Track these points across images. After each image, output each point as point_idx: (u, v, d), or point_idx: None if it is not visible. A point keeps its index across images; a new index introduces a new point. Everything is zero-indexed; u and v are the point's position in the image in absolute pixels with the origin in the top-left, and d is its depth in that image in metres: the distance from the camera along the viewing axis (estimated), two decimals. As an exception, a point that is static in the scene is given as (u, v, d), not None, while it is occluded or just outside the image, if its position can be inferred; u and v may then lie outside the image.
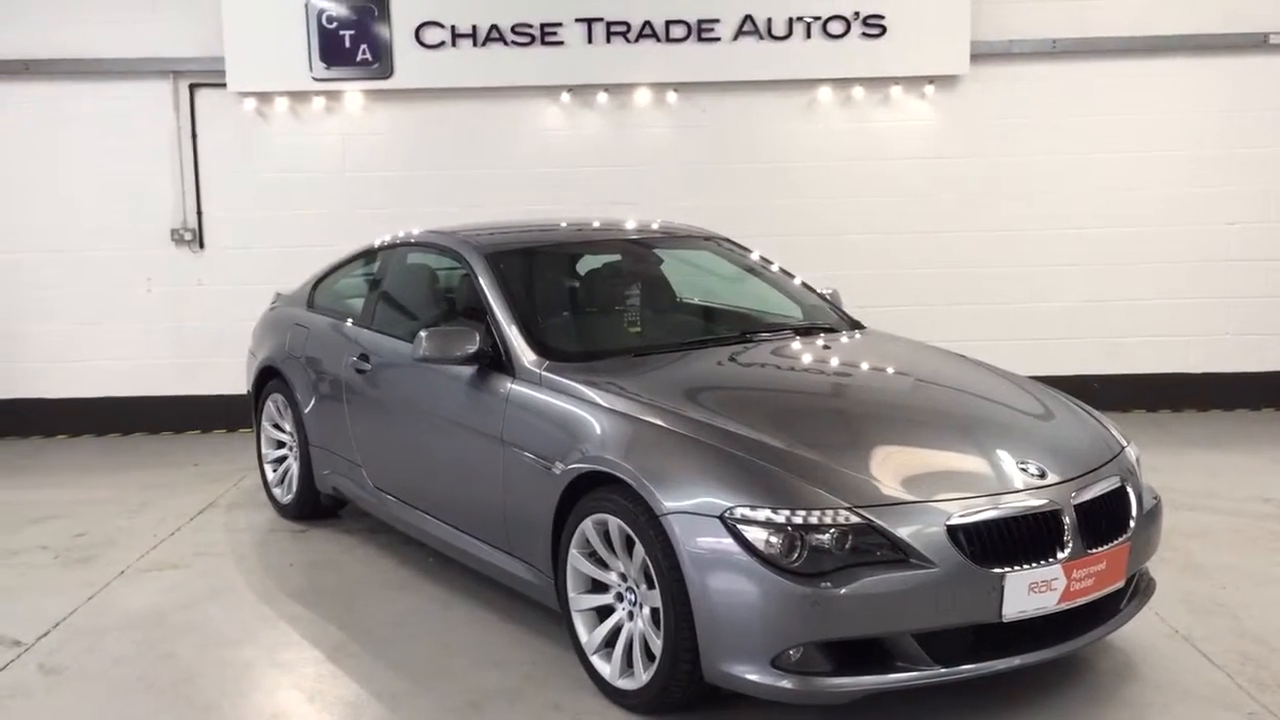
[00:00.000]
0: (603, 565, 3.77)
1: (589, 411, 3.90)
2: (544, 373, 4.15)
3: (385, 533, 5.45)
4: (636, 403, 3.84)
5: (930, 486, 3.44)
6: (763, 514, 3.31)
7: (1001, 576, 3.32)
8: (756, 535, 3.29)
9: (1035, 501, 3.45)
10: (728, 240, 5.56)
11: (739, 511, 3.33)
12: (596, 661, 3.77)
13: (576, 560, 3.82)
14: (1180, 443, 7.20)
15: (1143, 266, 7.97)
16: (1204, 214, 7.93)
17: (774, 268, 5.42)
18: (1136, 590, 3.88)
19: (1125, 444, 4.02)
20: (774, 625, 3.27)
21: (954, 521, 3.33)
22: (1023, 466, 3.58)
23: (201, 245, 7.99)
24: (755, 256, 5.47)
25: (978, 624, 3.36)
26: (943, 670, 3.33)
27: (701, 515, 3.37)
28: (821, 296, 5.27)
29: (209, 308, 8.02)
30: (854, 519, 3.29)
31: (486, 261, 4.70)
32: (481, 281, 4.62)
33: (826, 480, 3.40)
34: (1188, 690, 3.77)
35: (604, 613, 3.80)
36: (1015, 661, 3.40)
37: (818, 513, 3.30)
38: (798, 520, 3.28)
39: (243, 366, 6.36)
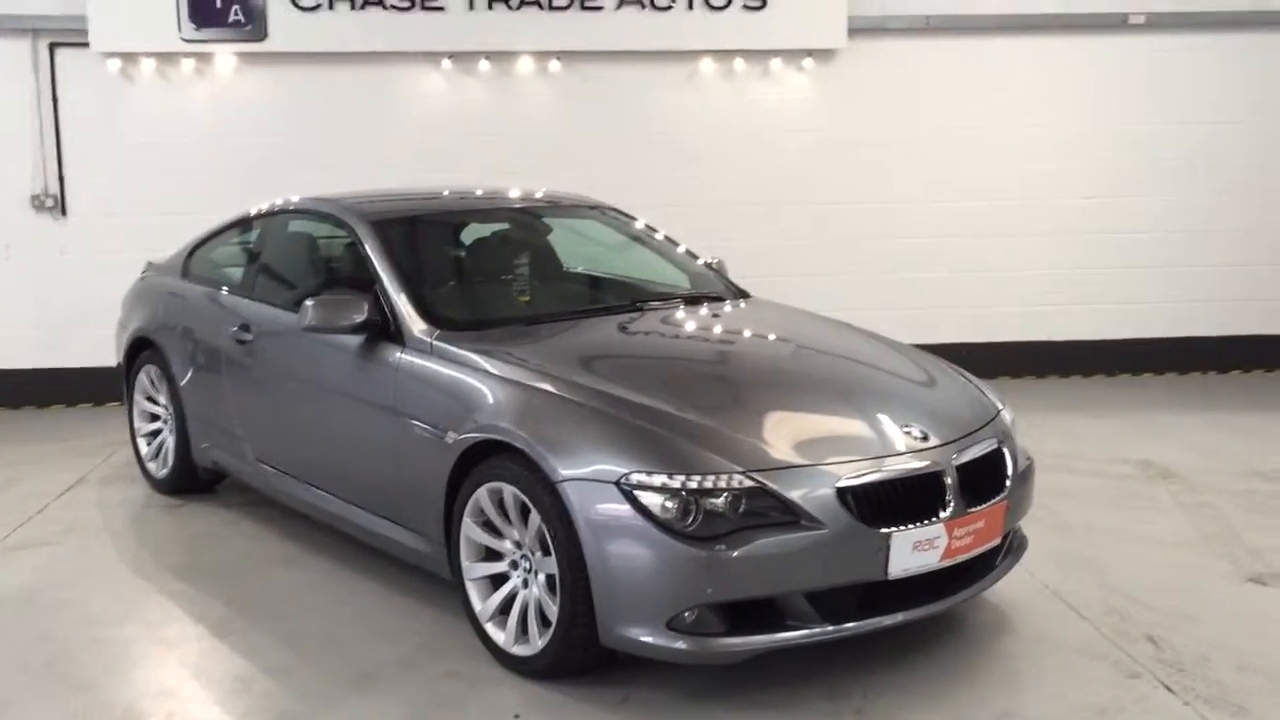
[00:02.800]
0: (497, 534, 3.77)
1: (481, 380, 3.89)
2: (434, 341, 4.11)
3: (267, 506, 5.35)
4: (529, 370, 3.84)
5: (819, 450, 3.52)
6: (658, 479, 3.35)
7: (888, 536, 3.43)
8: (652, 500, 3.33)
9: (919, 463, 3.57)
10: (614, 209, 5.57)
11: (635, 477, 3.36)
12: (491, 629, 3.78)
13: (470, 529, 3.81)
14: (1044, 407, 7.49)
15: (1008, 239, 8.25)
16: (1065, 188, 8.25)
17: (660, 237, 5.45)
18: (1010, 547, 4.05)
19: (1001, 407, 4.19)
20: (670, 588, 3.32)
21: (843, 484, 3.42)
22: (906, 430, 3.69)
23: (64, 212, 7.67)
24: (641, 226, 5.49)
25: (865, 582, 3.47)
26: (831, 628, 3.44)
27: (598, 482, 3.39)
28: (708, 266, 5.33)
29: (73, 277, 7.70)
30: (747, 483, 3.36)
31: (374, 229, 4.63)
32: (369, 249, 4.54)
33: (720, 445, 3.46)
34: (1058, 642, 3.95)
35: (498, 581, 3.81)
36: (899, 617, 3.52)
37: (712, 477, 3.35)
38: (692, 485, 3.33)
39: (111, 338, 6.14)
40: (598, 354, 4.16)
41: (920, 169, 8.14)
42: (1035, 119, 8.17)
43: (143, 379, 5.75)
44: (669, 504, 3.32)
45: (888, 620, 3.52)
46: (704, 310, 4.76)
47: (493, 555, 3.81)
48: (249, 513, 5.38)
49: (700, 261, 5.35)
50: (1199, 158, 8.28)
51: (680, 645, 3.35)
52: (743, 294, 5.13)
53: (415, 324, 4.21)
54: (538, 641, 3.60)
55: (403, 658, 3.85)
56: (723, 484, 3.35)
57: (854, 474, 3.46)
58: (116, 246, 7.51)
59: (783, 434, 3.58)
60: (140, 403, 5.80)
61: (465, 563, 3.85)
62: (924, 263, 8.22)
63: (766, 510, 3.36)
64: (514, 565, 3.75)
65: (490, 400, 3.80)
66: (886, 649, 3.79)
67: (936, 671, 3.71)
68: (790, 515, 3.36)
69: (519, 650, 3.67)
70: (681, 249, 5.42)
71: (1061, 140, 8.20)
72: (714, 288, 5.11)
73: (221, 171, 7.65)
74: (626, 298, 4.86)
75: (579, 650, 3.50)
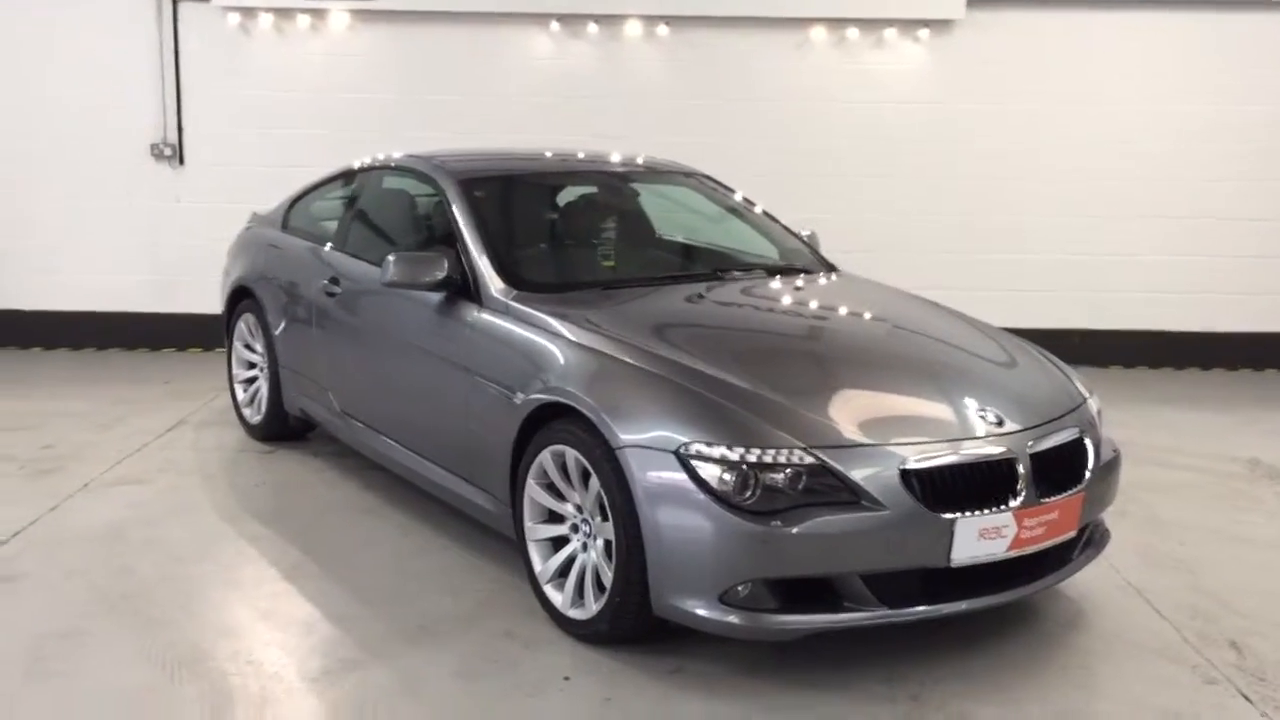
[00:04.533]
0: (559, 496, 3.77)
1: (552, 342, 3.88)
2: (511, 302, 4.12)
3: (352, 457, 5.45)
4: (600, 336, 3.82)
5: (886, 430, 3.43)
6: (718, 451, 3.30)
7: (952, 522, 3.32)
8: (710, 472, 3.29)
9: (991, 449, 3.45)
10: (709, 178, 5.50)
11: (694, 447, 3.32)
12: (549, 591, 3.79)
13: (534, 490, 3.82)
14: (1154, 400, 7.22)
15: (1127, 222, 7.93)
16: (1195, 171, 7.88)
17: (755, 208, 5.37)
18: (1090, 541, 3.90)
19: (1087, 396, 4.02)
20: (724, 561, 3.28)
21: (908, 466, 3.33)
22: (981, 414, 3.57)
23: (181, 161, 7.90)
24: (737, 196, 5.42)
25: (927, 567, 3.38)
26: (889, 611, 3.35)
27: (657, 450, 3.36)
28: (799, 238, 5.23)
29: (187, 225, 7.95)
30: (808, 459, 3.29)
31: (460, 187, 4.65)
32: (454, 208, 4.57)
33: (783, 420, 3.40)
34: (1134, 642, 3.80)
35: (559, 543, 3.81)
36: (962, 606, 3.42)
37: (772, 451, 3.29)
38: (752, 458, 3.28)
39: (219, 285, 6.32)
40: (671, 322, 4.12)
41: (1036, 144, 7.86)
42: (1160, 98, 7.81)
43: (241, 327, 5.90)
44: (727, 476, 3.28)
45: (949, 608, 3.42)
46: (789, 283, 4.67)
47: (555, 518, 3.82)
48: (335, 462, 5.49)
49: (793, 234, 5.25)
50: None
51: (732, 619, 3.31)
52: (831, 268, 5.02)
53: (493, 283, 4.22)
54: (593, 606, 3.60)
55: (463, 613, 3.89)
56: (783, 459, 3.28)
57: (920, 456, 3.36)
58: (228, 196, 7.72)
59: (850, 412, 3.50)
60: (238, 350, 5.96)
61: (528, 524, 3.87)
62: (1033, 243, 7.95)
63: (827, 488, 3.29)
64: (574, 529, 3.75)
65: (559, 363, 3.80)
66: (951, 637, 3.69)
67: (1000, 662, 3.60)
68: (851, 495, 3.29)
69: (575, 613, 3.67)
70: (775, 221, 5.33)
71: (1186, 121, 7.83)
72: (803, 260, 5.01)
73: (330, 126, 7.79)
74: (710, 266, 4.81)
75: (631, 617, 3.49)
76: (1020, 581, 3.56)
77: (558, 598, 3.75)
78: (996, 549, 3.41)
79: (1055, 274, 7.99)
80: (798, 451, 3.30)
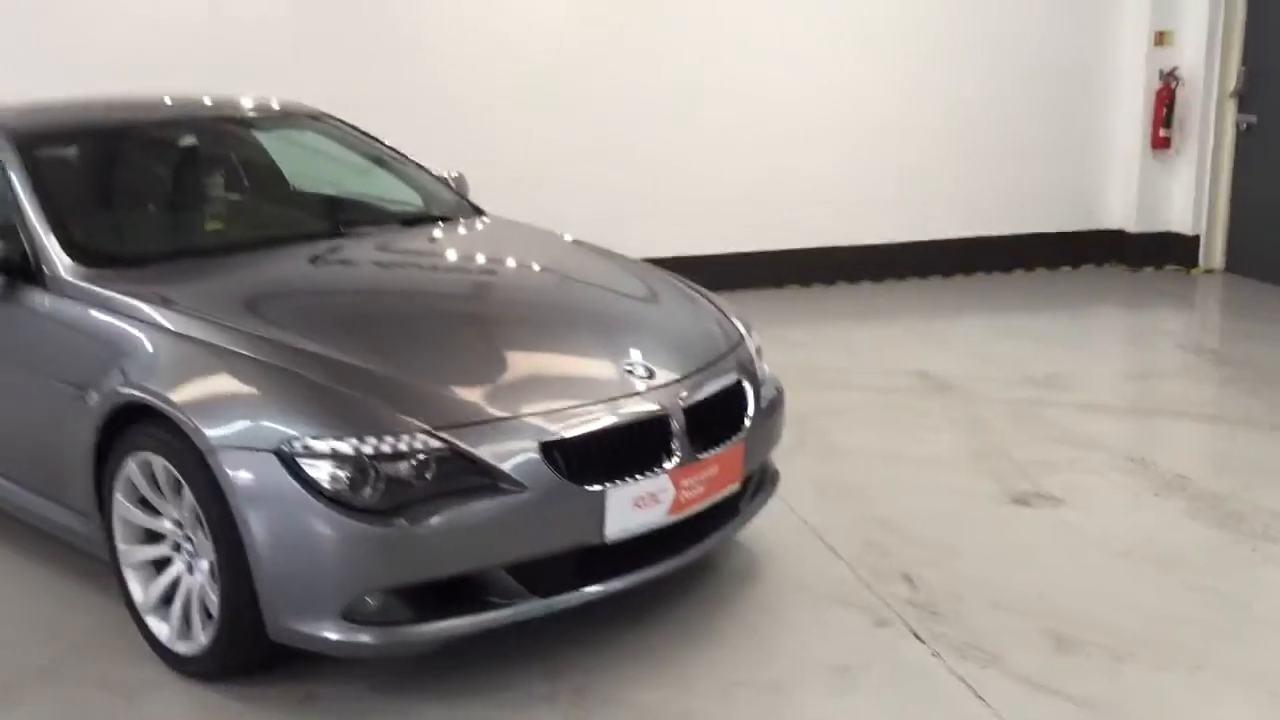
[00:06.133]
0: (155, 512, 3.18)
1: (132, 328, 3.26)
2: (80, 282, 3.44)
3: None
4: (185, 316, 3.22)
5: (522, 399, 3.04)
6: (326, 445, 2.82)
7: (602, 494, 2.98)
8: (320, 470, 2.81)
9: (640, 408, 3.13)
10: (337, 119, 4.88)
11: (298, 443, 2.82)
12: (153, 623, 3.20)
13: (122, 507, 3.21)
14: (830, 316, 7.23)
15: (791, 140, 7.80)
16: (853, 84, 7.85)
17: (391, 151, 4.80)
18: (759, 487, 3.68)
19: (744, 334, 3.76)
20: (344, 573, 2.83)
21: (548, 438, 2.95)
22: (629, 368, 3.24)
23: None
24: (367, 137, 4.83)
25: (581, 547, 3.03)
26: (542, 602, 3.00)
27: (253, 450, 2.85)
28: (445, 183, 4.72)
29: None
30: (434, 444, 2.86)
31: (17, 146, 3.86)
32: (11, 173, 3.79)
33: (403, 400, 2.94)
34: (809, 588, 3.62)
35: (162, 566, 3.22)
36: (618, 584, 3.11)
37: (391, 439, 2.84)
38: (368, 450, 2.82)
39: None
40: (276, 291, 3.56)
41: (702, 68, 7.58)
42: (810, 7, 7.72)
43: None
44: (340, 473, 2.80)
45: (608, 588, 3.10)
46: (423, 234, 4.18)
47: (154, 537, 3.22)
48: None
49: (437, 178, 4.73)
50: (990, 45, 8.00)
51: (364, 638, 2.86)
52: (479, 212, 4.57)
53: (60, 261, 3.51)
54: (201, 637, 3.06)
55: (52, 663, 3.24)
56: (404, 446, 2.84)
57: (560, 425, 2.99)
58: None
59: (480, 383, 3.09)
60: None
61: (121, 546, 3.25)
62: (699, 167, 7.70)
63: (458, 474, 2.88)
64: (176, 548, 3.17)
65: (138, 352, 3.18)
66: (620, 616, 3.35)
67: (669, 637, 3.31)
68: (487, 479, 2.89)
69: (182, 648, 3.12)
70: (415, 164, 4.79)
71: (843, 31, 7.79)
72: (446, 207, 4.52)
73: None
74: (338, 221, 4.21)
75: (246, 647, 2.99)
76: (685, 545, 3.28)
77: (163, 630, 3.18)
78: (655, 517, 3.11)
79: (724, 198, 7.78)
80: (421, 436, 2.86)
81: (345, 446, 2.81)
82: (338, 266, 3.80)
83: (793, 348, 6.18)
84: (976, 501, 4.27)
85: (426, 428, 2.87)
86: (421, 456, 2.84)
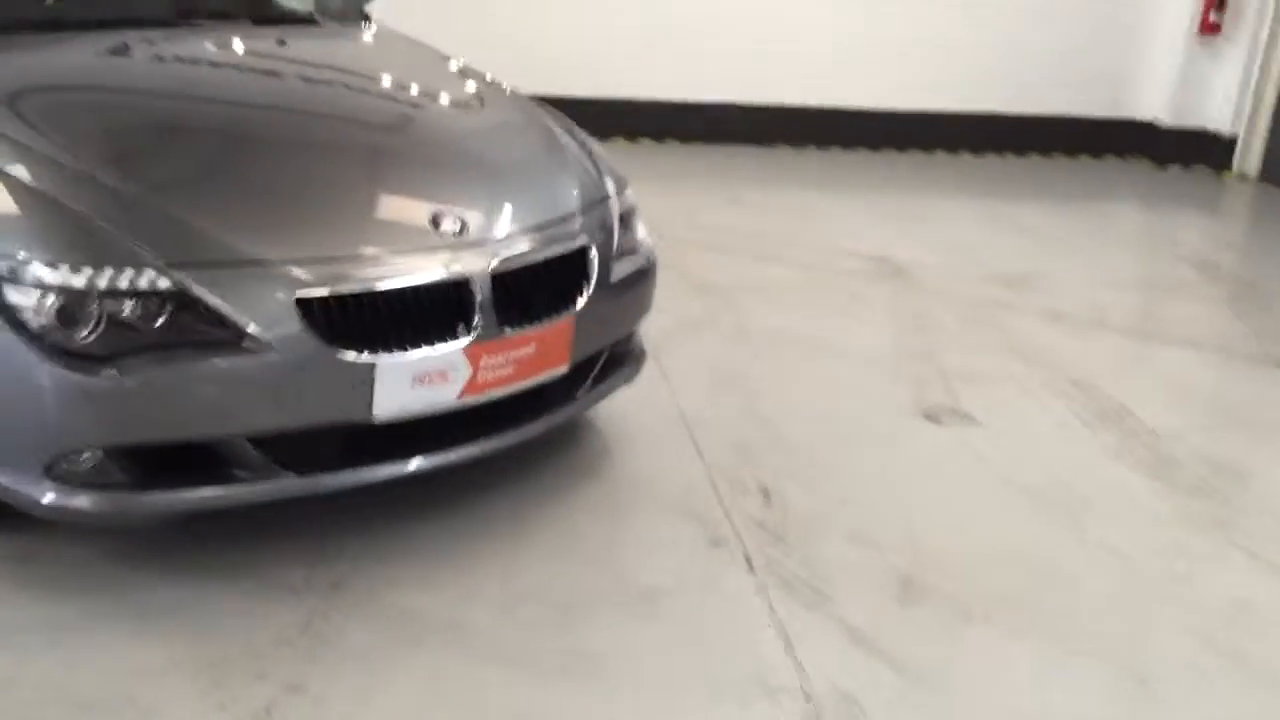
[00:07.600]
0: None
1: None
2: None
3: None
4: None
5: (287, 242, 2.54)
6: (31, 271, 2.35)
7: (371, 367, 2.51)
8: (23, 299, 2.35)
9: (434, 267, 2.62)
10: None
11: (2, 264, 2.35)
12: None
13: None
14: (799, 183, 6.62)
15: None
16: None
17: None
18: (606, 372, 3.18)
19: (612, 194, 3.20)
20: (44, 425, 2.39)
21: (306, 292, 2.46)
22: (435, 218, 2.72)
23: None
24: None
25: (347, 424, 2.58)
26: (296, 480, 2.56)
27: (-50, 271, 2.38)
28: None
29: None
30: (164, 283, 2.38)
31: None
32: None
33: (138, 226, 2.45)
34: (653, 491, 3.16)
35: None
36: (390, 470, 2.66)
37: (111, 271, 2.36)
38: (78, 282, 2.34)
39: None
40: (49, 85, 3.02)
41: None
42: None
43: None
44: (47, 305, 2.34)
45: (378, 473, 2.65)
46: (268, 34, 3.60)
47: None
48: None
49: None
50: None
51: (78, 502, 2.44)
52: (365, 18, 3.98)
53: None
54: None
55: None
56: (125, 283, 2.37)
57: (326, 278, 2.49)
58: None
59: (246, 215, 2.59)
60: None
61: None
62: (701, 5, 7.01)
63: (193, 324, 2.41)
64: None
65: None
66: (409, 507, 2.90)
67: (464, 536, 2.86)
68: (226, 332, 2.41)
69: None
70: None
71: None
72: (322, 6, 3.94)
73: None
74: (170, 7, 3.64)
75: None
76: (488, 433, 2.81)
77: None
78: (443, 397, 2.63)
79: (714, 49, 7.06)
80: (149, 272, 2.38)
81: (53, 275, 2.34)
82: (140, 62, 3.25)
83: (743, 210, 5.63)
84: (880, 409, 3.77)
85: (158, 263, 2.38)
86: (148, 297, 2.37)
